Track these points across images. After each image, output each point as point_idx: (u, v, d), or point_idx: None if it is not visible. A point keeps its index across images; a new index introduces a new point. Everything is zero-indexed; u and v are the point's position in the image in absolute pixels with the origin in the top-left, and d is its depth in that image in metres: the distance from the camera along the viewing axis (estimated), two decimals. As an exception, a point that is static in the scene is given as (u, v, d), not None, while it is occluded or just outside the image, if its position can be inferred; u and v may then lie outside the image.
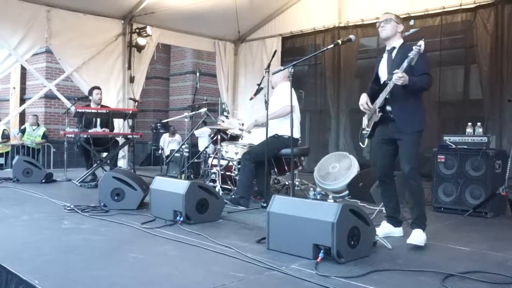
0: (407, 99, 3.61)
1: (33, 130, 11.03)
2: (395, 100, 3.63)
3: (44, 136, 11.03)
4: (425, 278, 2.69)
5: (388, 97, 3.62)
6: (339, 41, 4.12)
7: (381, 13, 4.03)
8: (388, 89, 3.58)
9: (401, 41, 3.74)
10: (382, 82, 3.77)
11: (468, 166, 4.86)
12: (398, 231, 3.85)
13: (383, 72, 3.78)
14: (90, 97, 7.35)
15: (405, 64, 3.40)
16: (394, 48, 3.72)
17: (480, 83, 7.61)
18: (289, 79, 4.40)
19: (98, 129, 6.96)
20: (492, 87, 7.37)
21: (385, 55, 3.78)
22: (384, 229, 3.80)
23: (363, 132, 3.92)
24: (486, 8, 7.40)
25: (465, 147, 4.91)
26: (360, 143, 3.97)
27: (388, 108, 3.69)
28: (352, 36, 4.09)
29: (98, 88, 7.37)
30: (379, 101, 3.68)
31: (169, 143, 11.14)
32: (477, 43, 7.53)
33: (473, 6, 7.50)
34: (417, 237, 3.49)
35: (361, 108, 3.85)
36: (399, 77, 3.39)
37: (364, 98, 3.81)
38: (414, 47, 3.37)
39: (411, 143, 3.64)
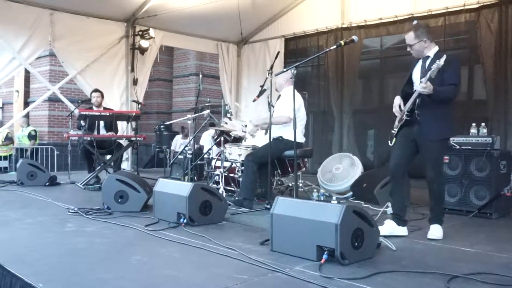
0: (436, 107, 3.73)
1: (21, 131, 11.06)
2: (424, 106, 3.75)
3: (30, 136, 10.99)
4: (430, 280, 2.68)
5: (418, 102, 3.76)
6: (342, 42, 4.13)
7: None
8: (414, 95, 3.74)
9: (436, 49, 3.86)
10: (414, 89, 3.86)
11: (473, 167, 4.84)
12: (402, 231, 3.88)
13: (416, 77, 3.90)
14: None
15: (427, 76, 3.57)
16: (428, 56, 3.84)
17: (484, 83, 7.58)
18: (292, 80, 4.40)
19: (103, 132, 7.00)
20: (496, 87, 7.34)
21: (421, 61, 3.90)
22: (388, 228, 3.83)
23: (392, 131, 4.03)
24: (490, 8, 7.37)
25: (470, 147, 4.90)
26: (389, 141, 4.05)
27: (417, 112, 3.80)
28: (355, 37, 4.10)
29: (97, 91, 7.41)
30: (408, 105, 3.83)
31: (180, 145, 11.12)
32: (481, 43, 7.49)
33: (476, 6, 7.47)
34: (436, 232, 3.76)
35: (394, 110, 3.98)
36: (423, 87, 3.57)
37: (397, 101, 3.98)
38: (436, 61, 3.53)
39: (437, 150, 3.81)
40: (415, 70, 3.94)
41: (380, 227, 3.50)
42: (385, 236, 3.55)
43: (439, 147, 3.83)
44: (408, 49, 3.90)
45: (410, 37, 3.84)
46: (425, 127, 3.76)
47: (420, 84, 3.63)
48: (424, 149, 3.81)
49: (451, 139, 5.04)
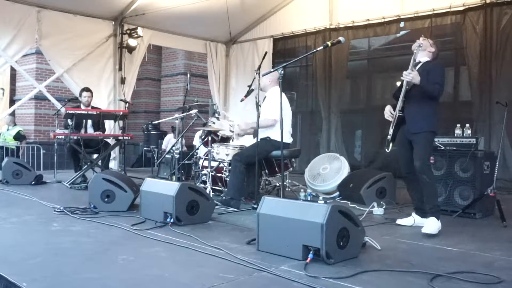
0: (420, 102, 4.00)
1: (8, 130, 10.94)
2: (409, 102, 4.05)
3: (17, 136, 10.88)
4: (413, 279, 2.71)
5: (403, 99, 4.03)
6: (329, 43, 4.17)
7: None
8: (403, 92, 4.02)
9: (427, 59, 4.15)
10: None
11: (457, 167, 4.90)
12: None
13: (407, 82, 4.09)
14: (80, 98, 7.33)
15: (410, 66, 3.93)
16: (420, 62, 4.12)
17: (470, 85, 7.69)
18: (278, 81, 4.41)
19: (89, 131, 6.96)
20: (481, 89, 7.45)
21: (413, 68, 4.07)
22: (413, 220, 4.25)
23: (388, 137, 4.22)
24: (475, 10, 7.49)
25: (454, 148, 4.96)
26: (386, 148, 4.24)
27: (404, 108, 4.08)
28: (341, 38, 4.13)
29: (87, 90, 7.32)
30: (398, 104, 4.09)
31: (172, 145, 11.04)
32: (466, 45, 7.60)
33: (462, 8, 7.58)
34: (430, 226, 3.89)
35: (386, 116, 4.23)
36: (408, 73, 3.85)
37: (387, 108, 4.23)
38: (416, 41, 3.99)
39: (422, 142, 4.03)
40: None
41: (405, 219, 4.30)
42: (410, 227, 4.18)
43: (424, 139, 4.03)
44: (415, 45, 4.08)
45: (429, 41, 4.21)
46: (409, 122, 4.05)
47: (404, 73, 3.89)
48: (413, 143, 4.08)
49: (436, 139, 5.10)
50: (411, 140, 4.10)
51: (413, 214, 4.30)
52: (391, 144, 4.18)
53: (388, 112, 4.20)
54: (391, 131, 4.18)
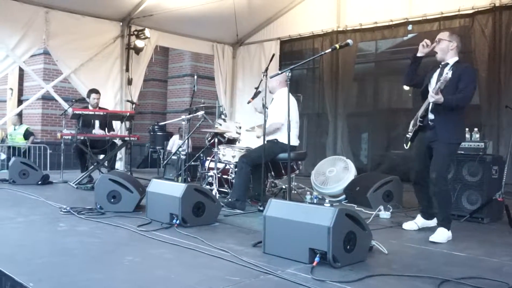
0: (448, 112, 3.88)
1: (14, 129, 11.00)
2: (437, 110, 3.91)
3: (26, 134, 10.96)
4: (421, 284, 2.69)
5: (431, 108, 3.93)
6: (337, 46, 4.14)
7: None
8: (426, 103, 3.93)
9: (456, 58, 3.97)
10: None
11: (465, 172, 4.86)
12: (432, 222, 4.26)
13: (433, 84, 3.98)
14: (88, 100, 7.34)
15: (436, 87, 3.70)
16: (447, 64, 3.96)
17: (478, 88, 7.63)
18: (286, 83, 4.40)
19: (97, 131, 6.97)
20: (489, 93, 7.40)
21: (439, 70, 4.01)
22: (419, 221, 4.29)
23: (407, 135, 4.22)
24: (484, 14, 7.44)
25: (462, 152, 4.92)
26: (404, 145, 4.26)
27: (431, 116, 3.97)
28: (349, 41, 4.10)
29: (96, 92, 7.33)
30: (421, 111, 4.02)
31: (177, 146, 11.04)
32: (474, 48, 7.55)
33: (471, 11, 7.53)
34: (439, 235, 3.83)
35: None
36: (432, 97, 3.72)
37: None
38: (445, 73, 3.67)
39: (445, 152, 3.94)
40: (433, 77, 4.05)
41: (412, 221, 4.31)
42: (418, 229, 4.23)
43: (448, 151, 3.97)
44: (434, 44, 3.98)
45: (444, 34, 4.02)
46: (438, 130, 3.93)
47: (429, 94, 3.79)
48: (435, 151, 3.98)
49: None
50: (433, 147, 3.98)
51: (418, 216, 4.34)
52: (410, 143, 4.18)
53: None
54: (411, 128, 4.17)
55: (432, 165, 3.95)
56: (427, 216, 4.28)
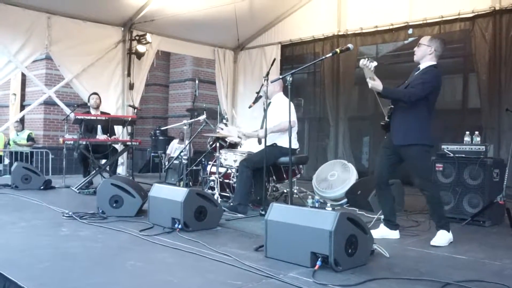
0: (404, 113, 3.81)
1: (17, 135, 11.04)
2: (394, 113, 3.87)
3: (29, 138, 11.01)
4: (422, 287, 2.70)
5: (392, 106, 3.88)
6: (338, 50, 4.17)
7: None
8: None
9: (428, 64, 3.90)
10: None
11: (466, 175, 4.87)
12: (394, 234, 4.04)
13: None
14: (89, 104, 7.40)
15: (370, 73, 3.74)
16: (419, 68, 3.96)
17: (479, 92, 7.64)
18: (287, 87, 4.42)
19: (101, 137, 6.99)
20: (490, 96, 7.41)
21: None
22: (381, 232, 4.02)
23: (381, 123, 4.08)
24: (484, 17, 7.47)
25: (463, 155, 4.93)
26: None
27: (388, 119, 3.96)
28: (350, 45, 4.13)
29: (95, 93, 7.45)
30: (386, 111, 4.00)
31: (175, 150, 11.07)
32: (475, 52, 7.58)
33: (471, 15, 7.56)
34: (439, 239, 3.78)
35: None
36: (369, 83, 3.75)
37: None
38: (371, 63, 3.73)
39: (413, 156, 3.84)
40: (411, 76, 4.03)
41: (372, 231, 3.57)
42: (377, 240, 3.60)
43: (414, 153, 3.82)
44: (415, 49, 3.97)
45: (425, 38, 3.98)
46: (392, 132, 3.91)
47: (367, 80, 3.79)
48: (402, 156, 3.92)
49: (445, 147, 5.08)
50: (400, 152, 3.90)
51: (382, 225, 4.11)
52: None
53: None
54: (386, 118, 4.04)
55: (412, 172, 3.93)
56: (391, 226, 4.04)
